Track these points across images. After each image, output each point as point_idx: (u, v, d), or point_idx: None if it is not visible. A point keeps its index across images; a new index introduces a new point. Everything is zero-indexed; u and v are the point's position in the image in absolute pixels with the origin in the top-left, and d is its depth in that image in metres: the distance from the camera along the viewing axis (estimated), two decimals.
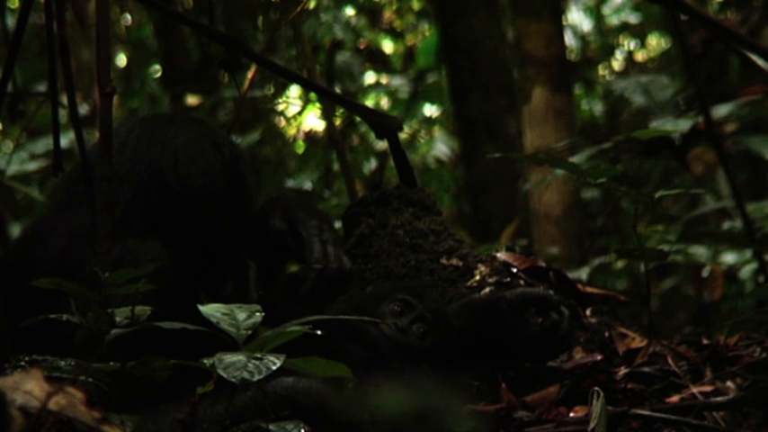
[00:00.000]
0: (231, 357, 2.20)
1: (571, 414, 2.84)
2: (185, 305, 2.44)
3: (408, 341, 2.86)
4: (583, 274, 5.72)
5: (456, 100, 7.76)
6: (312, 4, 8.06)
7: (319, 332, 2.33)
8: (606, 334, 3.27)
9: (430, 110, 10.10)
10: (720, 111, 5.09)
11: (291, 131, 9.46)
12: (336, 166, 8.18)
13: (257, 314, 2.34)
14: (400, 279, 3.25)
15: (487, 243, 5.93)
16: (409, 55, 10.17)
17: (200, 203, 2.95)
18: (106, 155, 2.77)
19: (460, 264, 3.30)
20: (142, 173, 2.92)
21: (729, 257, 5.87)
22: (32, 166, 6.76)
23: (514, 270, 3.33)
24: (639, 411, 2.76)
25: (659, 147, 5.81)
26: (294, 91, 8.68)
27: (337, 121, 7.33)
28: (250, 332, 2.28)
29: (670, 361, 3.10)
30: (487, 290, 3.23)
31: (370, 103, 9.14)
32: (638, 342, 3.24)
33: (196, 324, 2.32)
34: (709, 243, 5.67)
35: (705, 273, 6.05)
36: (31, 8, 3.02)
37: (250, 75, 4.87)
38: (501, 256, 3.39)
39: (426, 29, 10.12)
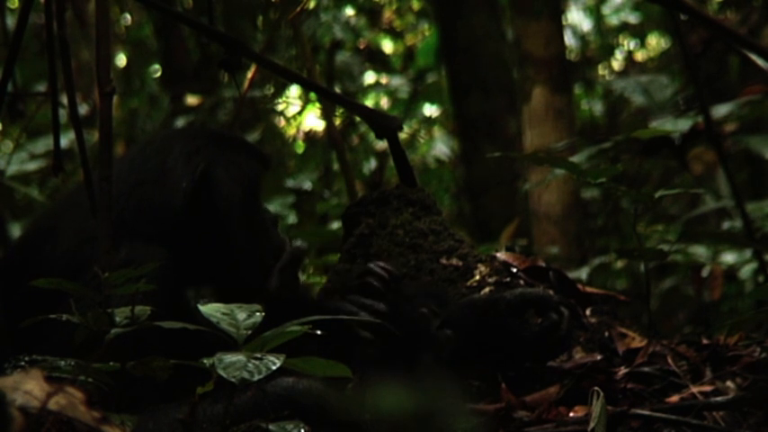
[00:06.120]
0: (231, 357, 2.20)
1: (571, 414, 2.84)
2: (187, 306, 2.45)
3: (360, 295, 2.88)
4: (583, 273, 5.71)
5: (456, 100, 7.76)
6: (312, 4, 8.06)
7: (319, 332, 2.34)
8: (606, 334, 3.27)
9: (430, 110, 10.10)
10: (720, 111, 5.10)
11: (291, 131, 9.46)
12: (336, 166, 8.17)
13: (257, 314, 2.34)
14: None
15: (487, 243, 5.93)
16: (409, 55, 10.17)
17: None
18: (106, 155, 2.77)
19: (460, 264, 3.30)
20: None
21: (729, 257, 5.87)
22: (32, 166, 6.75)
23: (514, 270, 3.33)
24: (639, 411, 2.76)
25: (659, 147, 5.82)
26: (294, 91, 8.69)
27: (337, 121, 7.33)
28: (250, 332, 2.28)
29: (670, 361, 3.11)
30: (487, 290, 3.23)
31: (369, 103, 9.14)
32: (638, 342, 3.24)
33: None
34: (709, 243, 5.67)
35: (705, 273, 6.05)
36: (31, 8, 3.02)
37: (250, 75, 4.87)
38: (501, 256, 3.39)
39: (426, 29, 10.12)
